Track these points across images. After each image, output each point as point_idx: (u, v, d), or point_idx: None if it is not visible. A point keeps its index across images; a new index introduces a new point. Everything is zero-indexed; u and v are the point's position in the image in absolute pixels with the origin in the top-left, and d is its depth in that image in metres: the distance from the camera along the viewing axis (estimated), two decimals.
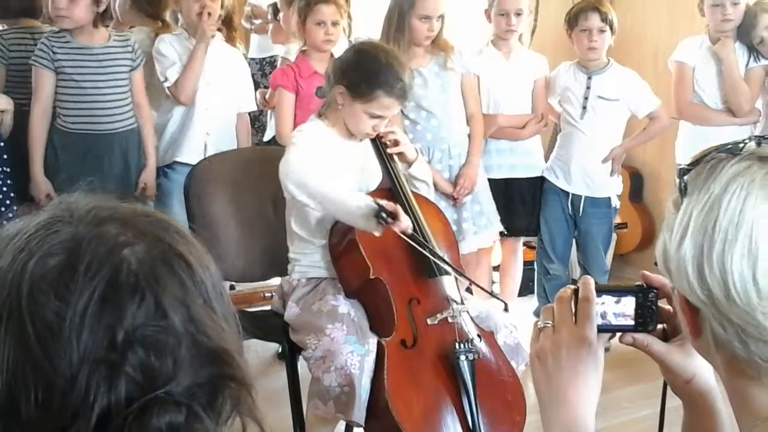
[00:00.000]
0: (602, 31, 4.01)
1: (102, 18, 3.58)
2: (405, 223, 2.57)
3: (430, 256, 2.69)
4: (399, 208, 2.57)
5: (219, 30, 3.96)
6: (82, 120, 3.57)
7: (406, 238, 2.60)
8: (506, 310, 3.22)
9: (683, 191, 0.99)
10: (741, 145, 1.00)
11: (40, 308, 0.76)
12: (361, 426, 2.58)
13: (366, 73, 2.74)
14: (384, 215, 2.52)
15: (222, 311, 0.85)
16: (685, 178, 1.00)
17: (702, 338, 1.02)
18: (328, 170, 2.75)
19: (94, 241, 0.79)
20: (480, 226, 3.88)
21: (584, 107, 4.07)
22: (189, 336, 0.79)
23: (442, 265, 2.70)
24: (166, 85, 3.80)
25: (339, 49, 3.86)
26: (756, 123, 4.06)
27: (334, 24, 3.74)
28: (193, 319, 0.80)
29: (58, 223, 0.81)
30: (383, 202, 2.55)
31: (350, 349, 2.54)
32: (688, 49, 4.13)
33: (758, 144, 1.00)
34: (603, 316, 1.20)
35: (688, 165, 1.01)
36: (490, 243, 4.02)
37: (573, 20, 4.06)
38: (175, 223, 0.88)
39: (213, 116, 3.88)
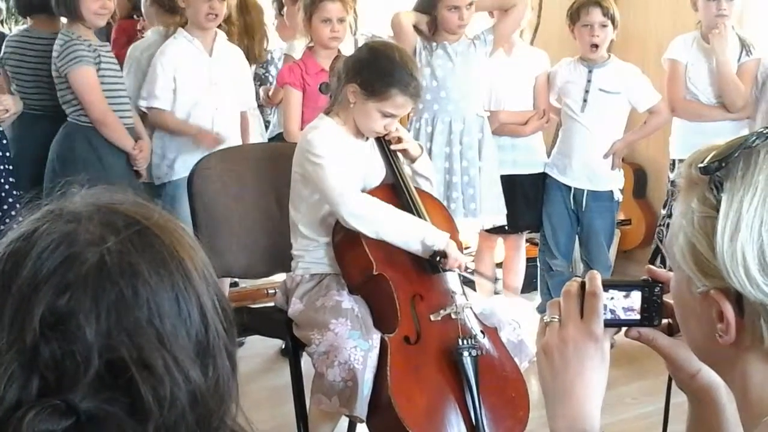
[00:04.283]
0: (604, 25, 4.01)
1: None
2: (456, 263, 2.70)
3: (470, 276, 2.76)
4: (451, 251, 2.68)
5: (220, 27, 3.96)
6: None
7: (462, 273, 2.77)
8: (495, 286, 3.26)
9: (718, 188, 0.99)
10: (753, 138, 1.00)
11: None
12: (363, 421, 2.58)
13: (380, 72, 2.73)
14: (438, 259, 2.68)
15: (173, 330, 0.83)
16: (718, 174, 0.99)
17: (743, 335, 1.01)
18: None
19: (59, 237, 0.81)
20: (469, 210, 3.90)
21: (585, 100, 4.08)
22: (99, 349, 0.79)
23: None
24: (142, 103, 3.82)
25: (345, 46, 3.88)
26: (748, 118, 4.04)
27: (341, 21, 3.75)
28: (126, 333, 0.80)
29: (48, 218, 0.83)
30: (440, 245, 2.67)
31: (354, 344, 2.54)
32: (680, 47, 4.13)
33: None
34: (609, 310, 1.20)
35: (714, 162, 1.00)
36: (474, 229, 4.02)
37: (575, 15, 4.07)
38: (155, 230, 0.86)
39: (221, 116, 3.87)
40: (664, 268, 1.11)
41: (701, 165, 1.01)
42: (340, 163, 2.73)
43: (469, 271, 3.07)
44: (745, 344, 1.01)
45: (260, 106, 4.58)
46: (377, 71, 2.74)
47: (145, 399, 0.80)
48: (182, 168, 3.76)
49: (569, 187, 4.16)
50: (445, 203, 3.76)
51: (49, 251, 0.80)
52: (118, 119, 3.62)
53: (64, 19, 3.75)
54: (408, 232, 2.69)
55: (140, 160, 3.70)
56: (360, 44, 4.31)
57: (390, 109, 2.75)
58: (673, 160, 4.19)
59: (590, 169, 4.12)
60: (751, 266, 0.96)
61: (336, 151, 2.75)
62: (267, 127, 4.68)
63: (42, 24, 3.86)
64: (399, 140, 2.89)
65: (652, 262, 4.16)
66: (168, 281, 0.84)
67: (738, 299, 0.99)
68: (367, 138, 2.87)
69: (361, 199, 2.70)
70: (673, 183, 4.04)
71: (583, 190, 4.14)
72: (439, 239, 2.68)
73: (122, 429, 0.79)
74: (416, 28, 3.88)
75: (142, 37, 4.23)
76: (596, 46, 4.01)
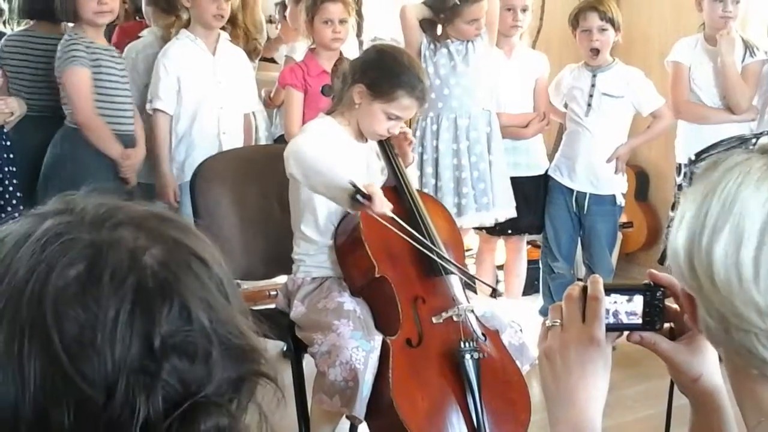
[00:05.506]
0: (603, 29, 4.00)
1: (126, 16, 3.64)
2: (381, 207, 2.53)
3: (418, 245, 2.67)
4: (377, 191, 2.53)
5: (224, 29, 3.96)
6: (107, 120, 3.60)
7: (388, 225, 2.60)
8: (493, 296, 3.24)
9: (690, 180, 1.01)
10: (753, 140, 1.02)
11: (66, 321, 0.74)
12: (362, 421, 2.59)
13: (388, 73, 2.74)
14: (359, 197, 2.49)
15: (238, 306, 0.84)
16: (695, 168, 1.01)
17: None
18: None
19: (114, 248, 0.78)
20: (481, 204, 3.91)
21: (589, 105, 4.08)
22: (217, 336, 0.79)
23: (432, 256, 2.69)
24: (148, 105, 3.79)
25: (348, 47, 3.89)
26: (753, 120, 4.04)
27: (342, 22, 3.75)
28: (219, 319, 0.80)
29: (72, 230, 0.79)
30: (362, 185, 2.52)
31: (356, 344, 2.55)
32: (683, 50, 4.14)
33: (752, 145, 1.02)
34: (611, 314, 1.20)
35: (696, 156, 1.04)
36: (490, 222, 4.02)
37: (574, 21, 4.08)
38: (182, 220, 0.87)
39: (226, 115, 3.87)
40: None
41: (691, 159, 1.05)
42: (318, 138, 2.72)
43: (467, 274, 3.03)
44: None
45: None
46: (385, 72, 2.74)
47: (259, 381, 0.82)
48: (191, 170, 3.76)
49: (572, 190, 4.16)
50: (455, 200, 3.79)
51: (125, 265, 0.77)
52: (103, 124, 3.55)
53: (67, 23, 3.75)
54: (329, 174, 2.60)
55: (126, 168, 3.61)
56: (364, 47, 4.34)
57: (396, 111, 2.75)
58: (679, 164, 4.18)
59: (593, 173, 4.12)
60: (681, 257, 1.00)
61: (321, 134, 2.75)
62: None
63: (44, 27, 3.86)
64: (405, 136, 2.88)
65: (661, 263, 4.15)
66: (218, 262, 0.84)
67: None
68: (366, 140, 2.87)
69: (308, 141, 2.68)
70: (680, 187, 4.04)
71: (586, 194, 4.14)
72: (356, 180, 2.54)
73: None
74: (422, 24, 3.89)
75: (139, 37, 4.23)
76: (597, 50, 4.01)
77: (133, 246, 0.79)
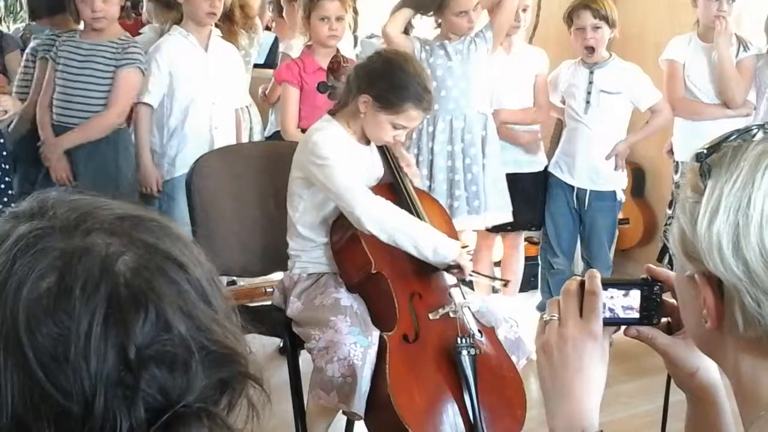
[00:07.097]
0: (597, 27, 3.99)
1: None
2: (469, 271, 2.75)
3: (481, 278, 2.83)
4: (464, 261, 2.71)
5: (218, 26, 3.97)
6: (58, 112, 3.69)
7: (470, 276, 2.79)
8: (505, 285, 3.29)
9: (706, 174, 0.99)
10: (754, 131, 1.01)
11: (39, 336, 0.73)
12: (361, 418, 2.59)
13: (395, 85, 2.71)
14: (453, 270, 2.72)
15: (221, 307, 0.82)
16: (707, 161, 1.00)
17: (724, 321, 1.01)
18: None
19: (85, 257, 0.76)
20: (473, 207, 3.90)
21: (587, 101, 4.08)
22: (196, 342, 0.77)
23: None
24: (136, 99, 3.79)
25: (344, 44, 3.88)
26: (748, 116, 4.05)
27: (338, 19, 3.75)
28: (198, 325, 0.78)
29: (43, 238, 0.77)
30: (453, 256, 2.68)
31: (353, 340, 2.55)
32: (677, 47, 4.16)
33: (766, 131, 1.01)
34: (609, 309, 1.20)
35: (706, 150, 1.02)
36: (480, 227, 4.03)
37: (568, 19, 4.08)
38: (157, 221, 0.84)
39: (218, 110, 3.89)
40: (672, 267, 1.11)
41: (696, 152, 1.03)
42: (347, 164, 2.72)
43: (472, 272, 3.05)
44: (728, 331, 1.02)
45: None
46: (392, 84, 2.71)
47: (243, 382, 0.81)
48: (183, 165, 3.72)
49: (572, 187, 4.16)
50: (448, 201, 3.79)
51: (96, 274, 0.75)
52: (43, 114, 3.68)
53: None
54: (421, 240, 2.66)
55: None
56: (359, 43, 4.34)
57: (403, 122, 2.75)
58: (677, 162, 4.19)
59: (594, 169, 4.12)
60: (725, 250, 0.97)
61: (342, 153, 2.74)
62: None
63: (64, 23, 3.98)
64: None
65: (659, 260, 4.17)
66: (197, 262, 0.82)
67: (720, 285, 0.99)
68: (369, 142, 2.87)
69: (377, 203, 2.68)
70: (677, 185, 4.05)
71: (587, 190, 4.14)
72: (450, 251, 2.68)
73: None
74: (407, 30, 3.90)
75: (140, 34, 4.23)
76: (591, 48, 4.01)
77: (105, 253, 0.76)
